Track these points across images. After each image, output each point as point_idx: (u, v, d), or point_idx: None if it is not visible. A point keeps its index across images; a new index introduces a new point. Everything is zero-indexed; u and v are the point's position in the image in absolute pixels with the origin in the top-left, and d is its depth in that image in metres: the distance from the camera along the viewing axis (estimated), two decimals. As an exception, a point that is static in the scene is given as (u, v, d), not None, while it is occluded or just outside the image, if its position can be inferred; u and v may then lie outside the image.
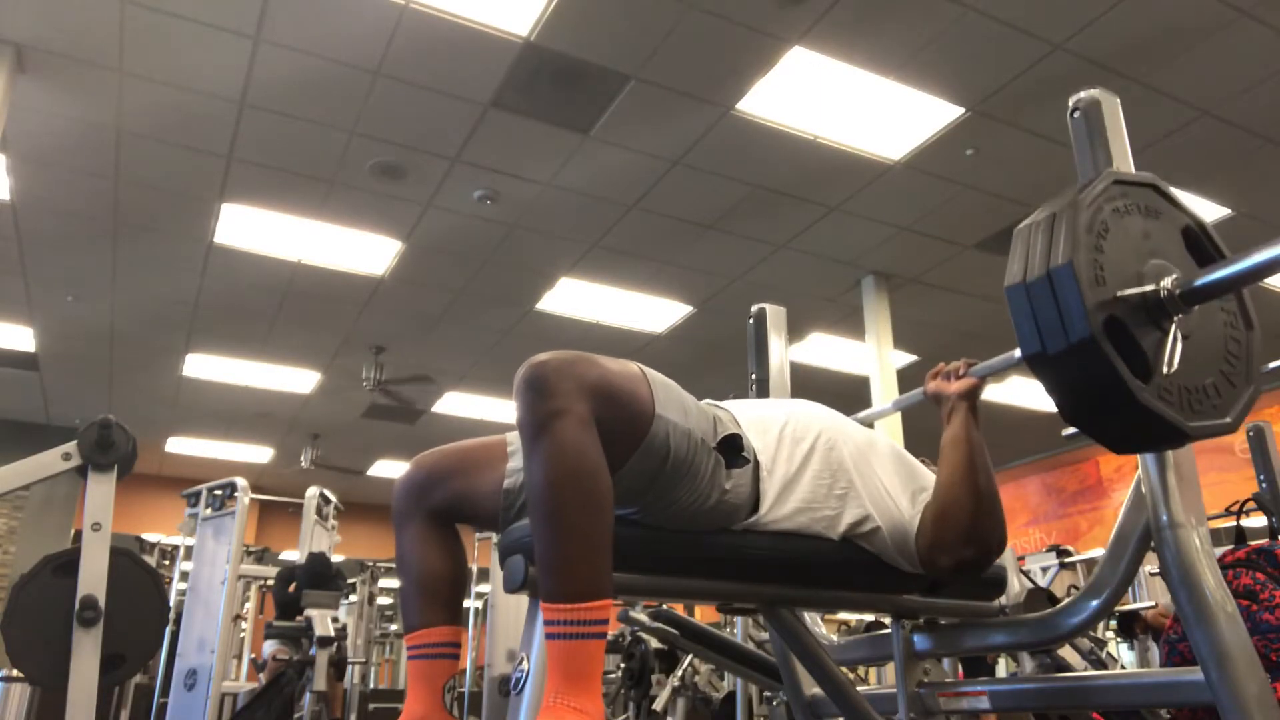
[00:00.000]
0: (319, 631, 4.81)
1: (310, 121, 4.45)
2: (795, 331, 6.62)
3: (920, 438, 1.43)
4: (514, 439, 1.34)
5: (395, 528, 1.32)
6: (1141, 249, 1.03)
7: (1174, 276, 1.00)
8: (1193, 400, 1.01)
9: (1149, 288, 0.99)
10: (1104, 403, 0.97)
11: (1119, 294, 0.98)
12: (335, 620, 5.14)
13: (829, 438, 1.36)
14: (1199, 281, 0.99)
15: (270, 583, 6.27)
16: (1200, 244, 1.08)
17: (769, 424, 1.35)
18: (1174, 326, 0.99)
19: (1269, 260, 0.94)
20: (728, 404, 1.39)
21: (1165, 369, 0.97)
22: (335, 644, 4.92)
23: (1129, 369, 0.94)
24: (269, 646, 5.37)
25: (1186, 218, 1.09)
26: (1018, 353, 1.24)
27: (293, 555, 7.72)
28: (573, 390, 1.06)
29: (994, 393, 7.86)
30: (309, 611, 4.96)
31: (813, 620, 1.85)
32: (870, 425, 1.76)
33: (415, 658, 1.26)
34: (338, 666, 5.07)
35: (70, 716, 2.41)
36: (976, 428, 1.35)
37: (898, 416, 5.82)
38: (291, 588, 5.46)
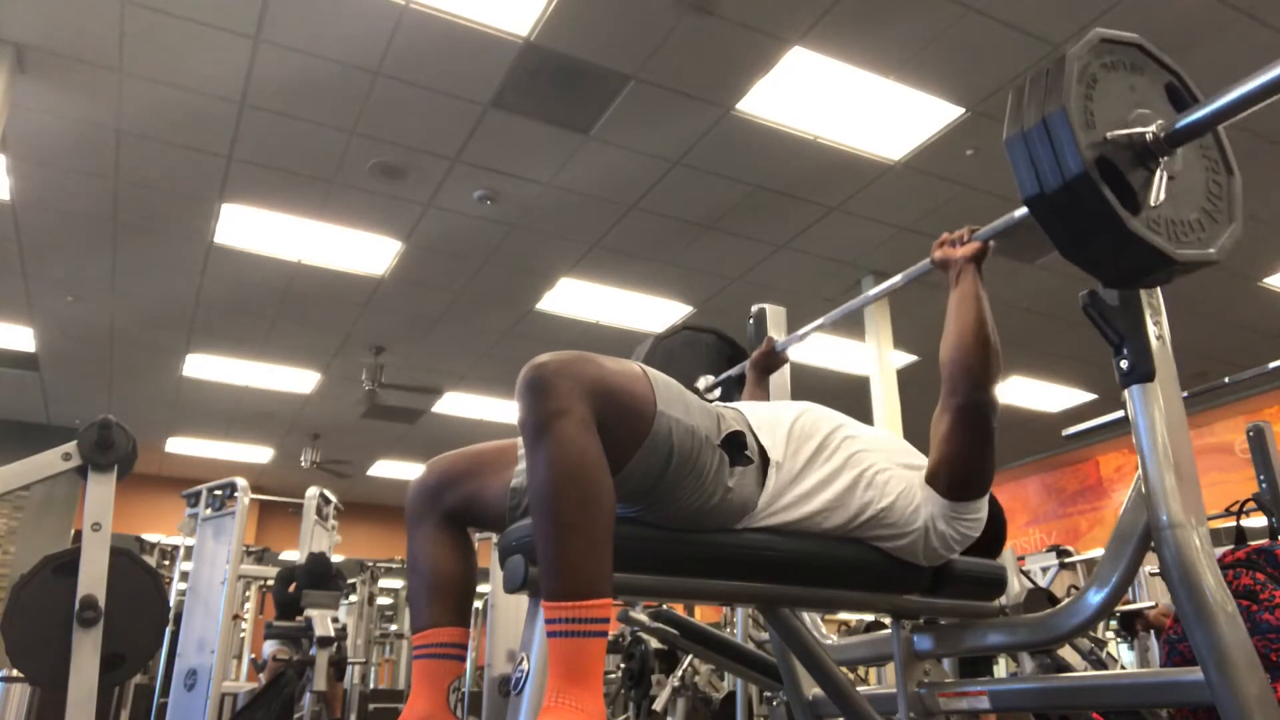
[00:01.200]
0: (319, 631, 4.81)
1: (310, 121, 4.45)
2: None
3: (920, 438, 1.43)
4: None
5: (408, 529, 1.33)
6: (1128, 100, 1.12)
7: (1159, 121, 1.09)
8: (1179, 231, 1.10)
9: (1136, 130, 1.08)
10: (1098, 234, 1.06)
11: (1109, 135, 1.07)
12: (335, 620, 5.15)
13: (838, 435, 1.37)
14: (1180, 124, 1.09)
15: (270, 583, 6.27)
16: (1181, 98, 1.17)
17: (778, 422, 1.35)
18: (1160, 166, 1.08)
19: (1239, 98, 1.02)
20: (737, 404, 1.40)
21: (1153, 202, 1.06)
22: (335, 644, 4.93)
23: (1119, 202, 1.03)
24: (269, 646, 5.38)
25: (1169, 74, 1.19)
26: (1018, 212, 1.36)
27: (293, 555, 7.72)
28: (573, 390, 1.07)
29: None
30: (309, 612, 4.96)
31: (813, 620, 1.85)
32: (868, 418, 1.76)
33: (421, 657, 1.26)
34: (338, 666, 5.08)
35: (70, 716, 2.41)
36: (983, 288, 1.43)
37: (898, 417, 5.82)
38: (291, 588, 5.46)
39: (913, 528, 1.33)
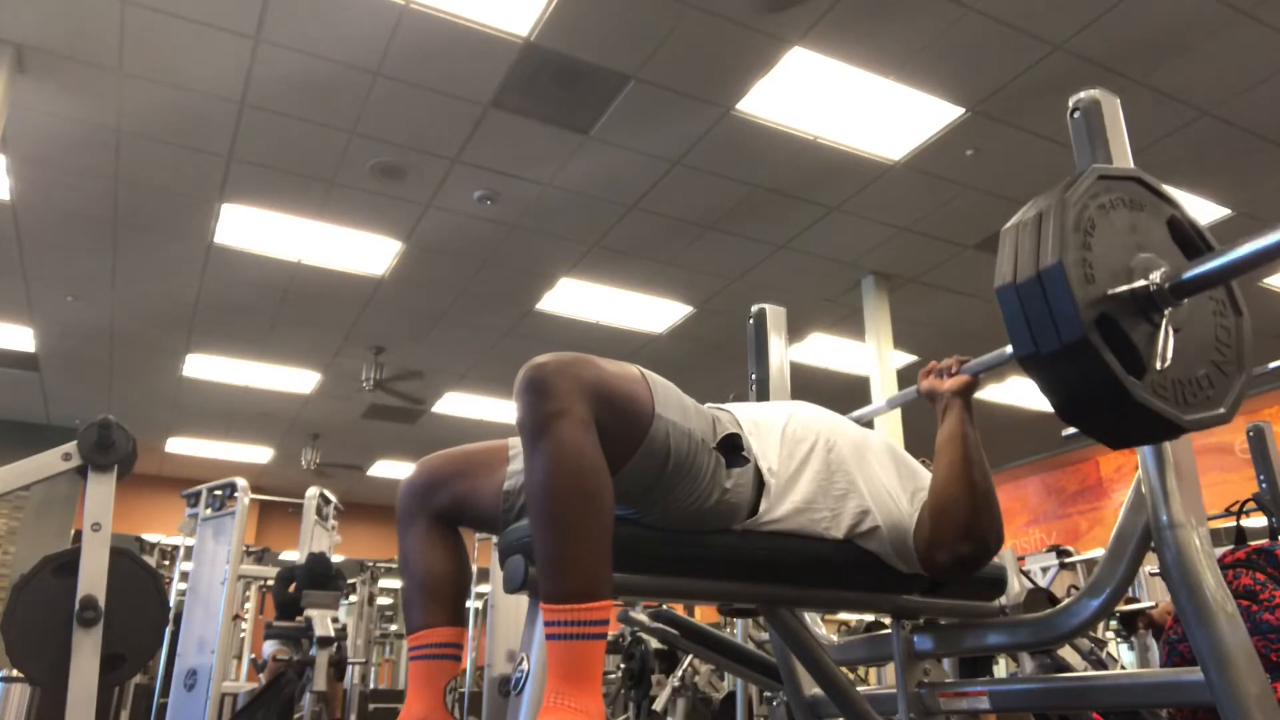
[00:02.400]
0: (319, 632, 4.81)
1: (310, 121, 4.45)
2: (795, 331, 6.63)
3: (921, 438, 1.43)
4: (516, 443, 1.35)
5: (399, 529, 1.33)
6: (1129, 243, 1.03)
7: (1162, 270, 1.00)
8: (1187, 393, 1.02)
9: (1139, 283, 0.99)
10: (1099, 400, 0.97)
11: (1109, 292, 0.98)
12: (335, 620, 5.15)
13: (829, 438, 1.37)
14: (1187, 275, 0.99)
15: (270, 583, 6.27)
16: (1185, 233, 1.09)
17: (770, 425, 1.35)
18: (1165, 320, 0.99)
19: (1256, 252, 0.94)
20: (728, 406, 1.40)
21: (1159, 364, 0.98)
22: (335, 644, 4.92)
23: (1122, 366, 0.95)
24: (269, 647, 5.37)
25: (1171, 208, 1.10)
26: (1009, 349, 1.26)
27: (293, 555, 7.71)
28: (572, 391, 1.07)
29: (993, 393, 7.86)
30: (309, 612, 4.96)
31: (813, 620, 1.85)
32: (869, 425, 1.76)
33: (417, 658, 1.26)
34: (338, 667, 5.07)
35: (70, 716, 2.41)
36: (972, 424, 1.36)
37: (897, 416, 5.82)
38: (291, 588, 5.46)
39: (902, 556, 1.35)
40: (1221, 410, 1.05)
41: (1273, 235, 0.92)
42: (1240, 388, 1.08)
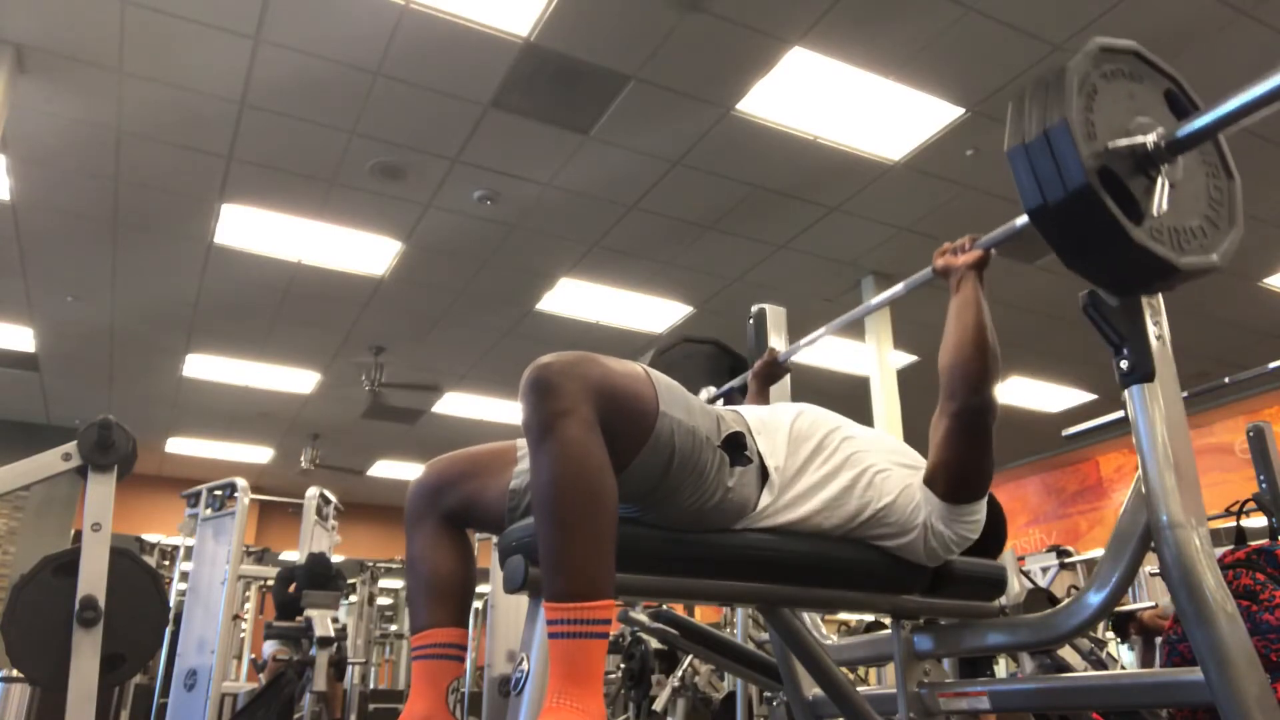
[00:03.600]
0: (319, 632, 4.81)
1: (310, 121, 4.45)
2: (795, 332, 6.61)
3: (920, 439, 1.43)
4: (523, 444, 1.35)
5: (407, 530, 1.33)
6: (1128, 108, 1.12)
7: (1159, 130, 1.10)
8: (1181, 239, 1.11)
9: (1137, 140, 1.08)
10: (1101, 244, 1.06)
11: (1110, 145, 1.07)
12: (335, 620, 5.15)
13: (835, 435, 1.38)
14: (1181, 132, 1.09)
15: (270, 583, 6.27)
16: (1180, 103, 1.18)
17: (776, 424, 1.36)
18: (1161, 174, 1.08)
19: (1240, 107, 1.02)
20: (734, 407, 1.40)
21: (1155, 211, 1.07)
22: (335, 644, 4.93)
23: (1123, 212, 1.04)
24: (269, 647, 5.38)
25: (1168, 80, 1.19)
26: (1019, 221, 1.36)
27: (293, 555, 7.72)
28: (577, 391, 1.07)
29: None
30: (309, 612, 4.96)
31: (813, 620, 1.85)
32: (872, 428, 1.76)
33: (420, 657, 1.27)
34: (338, 667, 5.08)
35: (70, 716, 2.41)
36: (984, 295, 1.43)
37: (897, 417, 5.82)
38: (291, 588, 5.47)
39: (912, 527, 1.34)
40: (1214, 257, 1.14)
41: (1253, 90, 1.00)
42: (1231, 240, 1.19)
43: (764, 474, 1.29)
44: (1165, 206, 1.07)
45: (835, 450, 1.35)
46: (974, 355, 1.35)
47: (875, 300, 1.95)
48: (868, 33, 3.95)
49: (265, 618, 6.32)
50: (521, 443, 1.36)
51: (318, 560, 5.48)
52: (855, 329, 6.46)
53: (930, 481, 1.36)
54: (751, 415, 1.36)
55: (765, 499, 1.28)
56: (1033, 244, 1.26)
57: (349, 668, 5.91)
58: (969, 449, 1.35)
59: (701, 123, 4.51)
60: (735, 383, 2.22)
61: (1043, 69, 4.10)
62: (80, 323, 6.69)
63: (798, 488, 1.31)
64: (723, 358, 2.35)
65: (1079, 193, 1.02)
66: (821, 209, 5.29)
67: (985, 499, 1.41)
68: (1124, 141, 1.07)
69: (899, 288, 1.78)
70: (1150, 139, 1.08)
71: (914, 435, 1.50)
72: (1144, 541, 1.30)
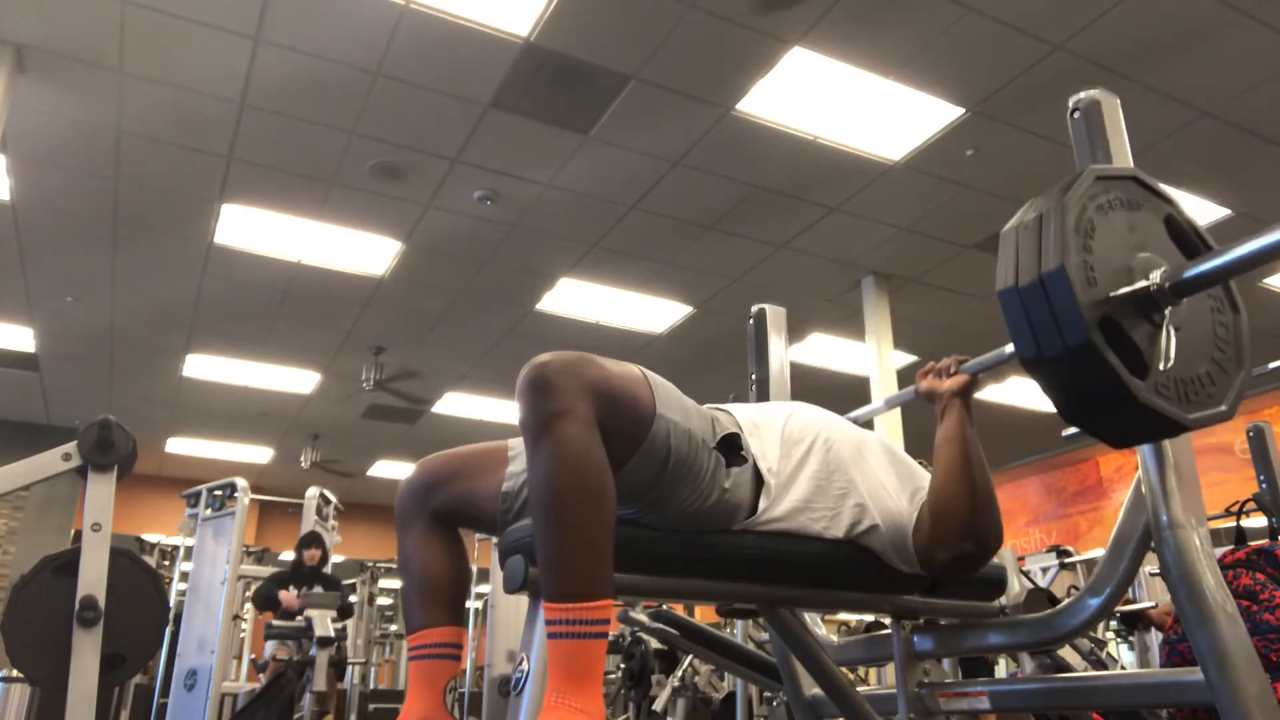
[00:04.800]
0: (319, 632, 4.82)
1: (310, 121, 4.45)
2: (795, 332, 6.62)
3: (921, 439, 1.43)
4: (515, 444, 1.35)
5: (398, 530, 1.33)
6: (1128, 243, 1.03)
7: (1163, 270, 1.01)
8: (1189, 391, 1.02)
9: (1140, 284, 0.99)
10: (1104, 402, 0.97)
11: (1111, 294, 0.98)
12: (335, 620, 5.16)
13: (827, 437, 1.37)
14: (1188, 274, 1.00)
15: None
16: (1182, 231, 1.10)
17: (769, 425, 1.35)
18: (1166, 320, 1.00)
19: (1255, 252, 0.94)
20: (728, 406, 1.40)
21: (1162, 364, 0.98)
22: (335, 644, 4.93)
23: (1126, 367, 0.95)
24: (269, 647, 5.39)
25: (1168, 207, 1.10)
26: (1008, 349, 1.26)
27: (293, 555, 7.71)
28: (575, 390, 1.07)
29: (993, 393, 7.86)
30: (309, 612, 4.97)
31: (813, 620, 1.85)
32: (869, 425, 1.76)
33: (417, 658, 1.27)
34: (337, 667, 5.09)
35: (70, 716, 2.41)
36: (971, 424, 1.35)
37: (898, 417, 5.82)
38: (289, 589, 5.48)
39: (902, 556, 1.34)
40: (1223, 408, 1.05)
41: (1271, 235, 0.92)
42: (1240, 384, 1.09)
43: (758, 476, 1.29)
44: (1172, 359, 0.98)
45: (827, 456, 1.34)
46: (958, 499, 1.28)
47: (862, 411, 1.93)
48: (868, 33, 3.94)
49: (265, 618, 6.32)
50: (513, 443, 1.35)
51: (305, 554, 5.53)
52: (855, 329, 6.46)
53: (915, 549, 1.34)
54: (743, 416, 1.35)
55: (762, 503, 1.27)
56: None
57: (349, 668, 5.91)
58: (959, 570, 1.34)
59: (701, 123, 4.51)
60: None
61: (1043, 70, 4.11)
62: (80, 323, 6.69)
63: (793, 494, 1.30)
64: None
65: (1079, 349, 0.94)
66: (821, 209, 5.29)
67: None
68: (1127, 290, 0.99)
69: (880, 405, 1.75)
70: (1154, 280, 0.99)
71: (914, 435, 1.50)
72: (1144, 542, 1.30)
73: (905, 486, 1.39)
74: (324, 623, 4.89)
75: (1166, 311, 1.00)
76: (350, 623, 6.72)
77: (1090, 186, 1.03)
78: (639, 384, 1.17)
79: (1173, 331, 0.99)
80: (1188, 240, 1.09)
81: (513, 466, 1.32)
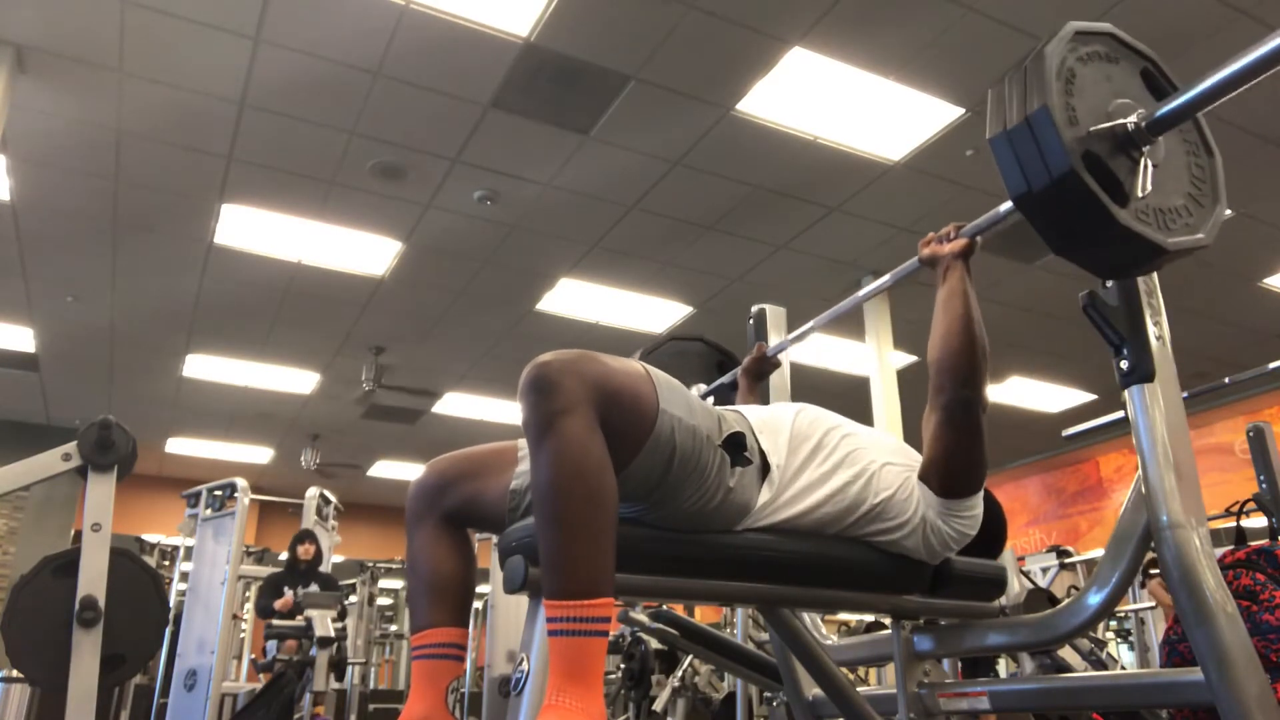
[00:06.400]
0: (319, 631, 4.82)
1: (310, 121, 4.45)
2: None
3: (920, 439, 1.44)
4: (524, 444, 1.35)
5: (408, 530, 1.33)
6: (1107, 90, 1.13)
7: (1139, 111, 1.10)
8: (1167, 219, 1.11)
9: (1118, 122, 1.09)
10: (1088, 229, 1.06)
11: (1091, 129, 1.07)
12: (336, 620, 5.17)
13: (836, 435, 1.38)
14: (1160, 112, 1.09)
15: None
16: (1157, 83, 1.19)
17: (778, 423, 1.36)
18: (1143, 155, 1.09)
19: (1218, 83, 1.05)
20: (735, 407, 1.40)
21: (1140, 193, 1.07)
22: (335, 644, 4.94)
23: (1108, 196, 1.04)
24: (271, 647, 5.39)
25: (1144, 60, 1.20)
26: (1004, 207, 1.37)
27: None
28: (577, 389, 1.07)
29: (993, 393, 7.86)
30: (309, 612, 4.97)
31: (813, 620, 1.85)
32: (869, 413, 1.77)
33: (420, 657, 1.27)
34: (337, 667, 5.09)
35: (70, 716, 2.41)
36: (971, 284, 1.41)
37: (897, 417, 5.82)
38: (288, 593, 5.48)
39: (910, 523, 1.34)
40: (1200, 235, 1.13)
41: (1230, 66, 1.03)
42: (1216, 217, 1.17)
43: (764, 472, 1.29)
44: (1149, 187, 1.07)
45: (835, 448, 1.35)
46: (961, 347, 1.34)
47: (863, 291, 1.96)
48: (868, 33, 3.95)
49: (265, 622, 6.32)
50: (523, 443, 1.35)
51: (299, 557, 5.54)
52: (855, 329, 6.45)
53: (925, 477, 1.36)
54: (753, 415, 1.36)
55: (765, 495, 1.28)
56: (1027, 242, 1.26)
57: (349, 668, 5.91)
58: (960, 442, 1.34)
59: (701, 123, 4.51)
60: (725, 379, 2.22)
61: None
62: (80, 323, 6.69)
63: (797, 485, 1.31)
64: (711, 355, 2.35)
65: (1063, 178, 1.03)
66: (821, 209, 5.29)
67: (980, 493, 1.41)
68: (1105, 125, 1.08)
69: (886, 279, 1.79)
70: (1131, 120, 1.09)
71: (914, 435, 1.50)
72: (1144, 541, 1.30)
73: (913, 465, 1.40)
74: (324, 623, 4.89)
75: (1144, 149, 1.09)
76: (350, 622, 6.73)
77: (1071, 40, 1.12)
78: (642, 381, 1.17)
79: (1150, 165, 1.09)
80: (1163, 91, 1.18)
81: (521, 466, 1.32)
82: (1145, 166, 1.08)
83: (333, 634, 4.90)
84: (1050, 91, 1.05)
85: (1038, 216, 1.09)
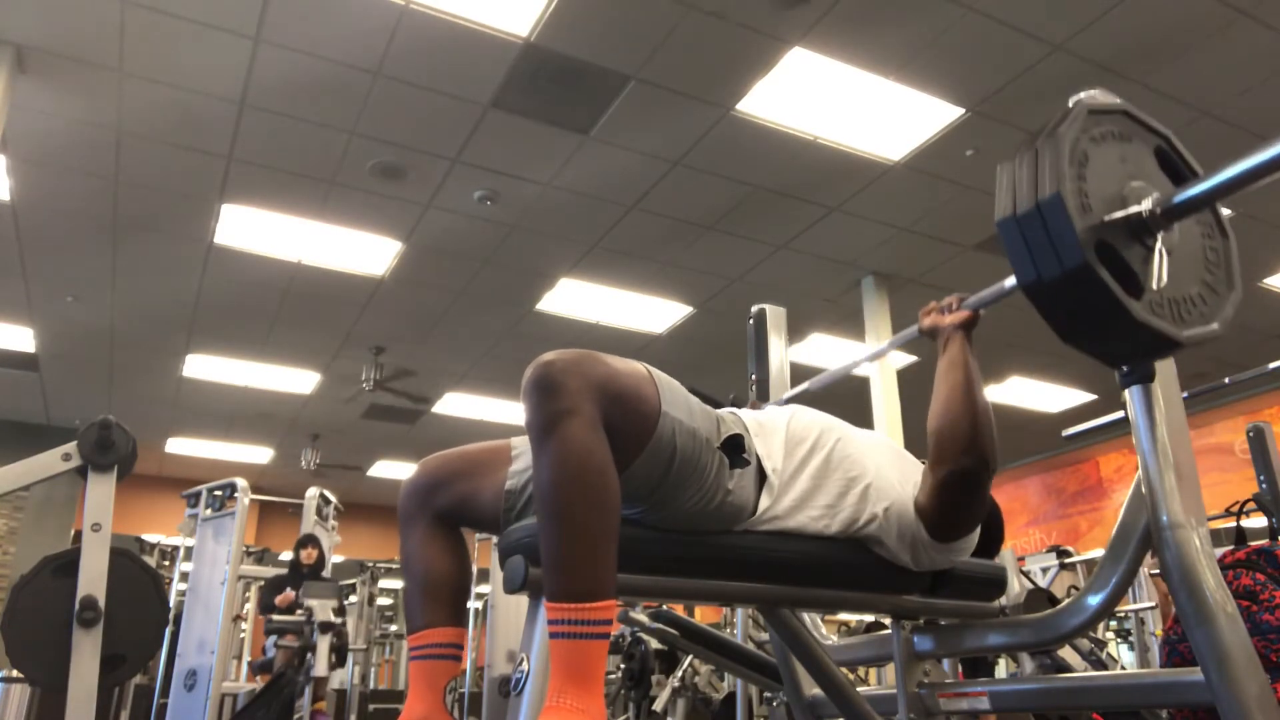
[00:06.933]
0: (320, 617, 4.82)
1: (310, 121, 4.45)
2: (795, 332, 6.62)
3: (920, 439, 1.43)
4: (518, 443, 1.35)
5: (401, 530, 1.33)
6: (1120, 172, 1.08)
7: (1154, 196, 1.06)
8: (1182, 310, 1.08)
9: (1132, 210, 1.04)
10: (1101, 322, 1.02)
11: (1105, 219, 1.03)
12: (338, 613, 5.17)
13: (830, 437, 1.37)
14: (1177, 199, 1.05)
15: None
16: (1172, 162, 1.15)
17: (773, 426, 1.36)
18: (1158, 243, 1.05)
19: (1240, 174, 1.00)
20: (731, 409, 1.40)
21: (1155, 284, 1.03)
22: (336, 630, 4.95)
23: (1121, 288, 1.00)
24: (270, 646, 5.39)
25: (1157, 138, 1.16)
26: (1009, 282, 1.33)
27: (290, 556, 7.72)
28: (580, 389, 1.06)
29: (993, 393, 7.86)
30: (309, 602, 4.98)
31: (813, 620, 1.85)
32: (871, 428, 1.77)
33: (418, 658, 1.26)
34: (338, 653, 5.11)
35: (70, 717, 2.41)
36: (973, 354, 1.40)
37: (897, 417, 5.83)
38: (287, 592, 5.48)
39: (903, 543, 1.34)
40: (1215, 325, 1.10)
41: (1254, 158, 0.98)
42: (1231, 304, 1.14)
43: (762, 476, 1.29)
44: (1165, 280, 1.03)
45: (830, 453, 1.35)
46: (962, 416, 1.32)
47: (863, 356, 1.95)
48: (868, 33, 3.95)
49: (266, 617, 6.33)
50: (515, 441, 1.35)
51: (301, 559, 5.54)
52: (855, 329, 6.46)
53: (920, 513, 1.35)
54: (749, 417, 1.36)
55: (764, 502, 1.27)
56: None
57: (350, 665, 5.91)
58: (959, 504, 1.34)
59: (701, 123, 4.51)
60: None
61: (1043, 70, 4.11)
62: (80, 323, 6.69)
63: (794, 491, 1.30)
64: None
65: (1076, 271, 0.99)
66: (821, 209, 5.29)
67: (976, 531, 1.41)
68: (1120, 214, 1.04)
69: (884, 346, 1.80)
70: (1146, 207, 1.05)
71: (914, 435, 1.50)
72: (1144, 542, 1.30)
73: (909, 478, 1.40)
74: (325, 611, 4.90)
75: (1159, 235, 1.04)
76: (350, 622, 6.72)
77: (1084, 120, 1.08)
78: (644, 382, 1.17)
79: (1165, 254, 1.04)
80: (1178, 170, 1.14)
81: (516, 465, 1.32)
82: (1160, 256, 1.04)
83: (334, 619, 4.91)
84: (1064, 178, 1.01)
85: (1046, 306, 1.05)
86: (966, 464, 1.31)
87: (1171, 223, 1.05)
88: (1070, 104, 1.10)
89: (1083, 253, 0.98)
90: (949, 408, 1.34)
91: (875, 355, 1.87)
